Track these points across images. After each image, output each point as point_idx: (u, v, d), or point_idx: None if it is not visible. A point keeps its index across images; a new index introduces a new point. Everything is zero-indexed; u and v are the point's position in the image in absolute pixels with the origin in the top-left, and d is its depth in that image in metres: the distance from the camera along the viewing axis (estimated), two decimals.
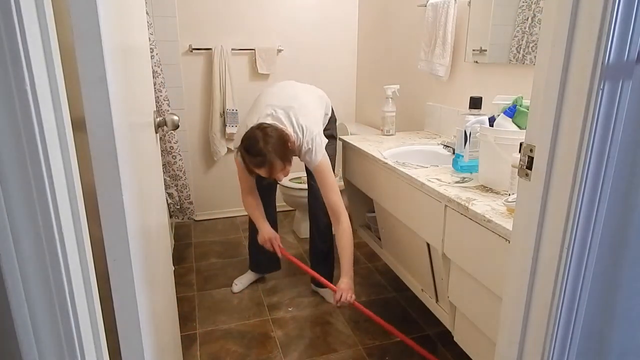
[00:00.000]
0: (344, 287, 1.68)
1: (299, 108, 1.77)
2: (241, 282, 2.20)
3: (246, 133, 1.66)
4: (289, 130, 1.72)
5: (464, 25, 1.90)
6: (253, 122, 1.73)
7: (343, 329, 1.89)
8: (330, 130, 2.02)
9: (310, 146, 1.73)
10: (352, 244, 1.78)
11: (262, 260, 2.22)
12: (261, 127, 1.64)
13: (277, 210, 2.25)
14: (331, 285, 1.82)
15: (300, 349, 1.76)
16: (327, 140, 1.82)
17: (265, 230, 1.94)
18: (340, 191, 2.65)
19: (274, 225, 2.12)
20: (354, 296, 1.69)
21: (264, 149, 1.59)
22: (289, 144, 1.66)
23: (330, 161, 2.01)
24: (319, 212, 2.04)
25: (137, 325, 0.80)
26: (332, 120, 2.05)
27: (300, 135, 1.74)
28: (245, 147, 1.63)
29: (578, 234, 0.70)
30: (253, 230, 2.18)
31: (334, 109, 2.07)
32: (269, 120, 1.71)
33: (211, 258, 2.54)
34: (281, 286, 2.23)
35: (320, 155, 1.75)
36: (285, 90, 1.89)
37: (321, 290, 2.14)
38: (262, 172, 1.66)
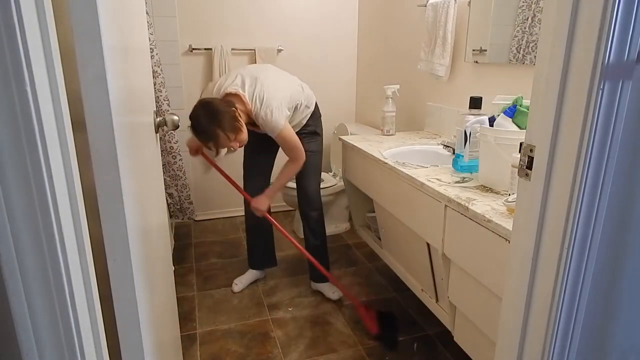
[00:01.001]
0: (255, 202, 1.94)
1: (264, 80, 1.79)
2: (241, 282, 2.20)
3: (192, 111, 1.68)
4: (247, 98, 1.73)
5: (464, 25, 1.90)
6: (221, 83, 1.79)
7: (343, 329, 1.89)
8: (313, 127, 2.02)
9: (266, 119, 1.73)
10: (289, 176, 1.92)
11: (257, 255, 2.25)
12: (203, 103, 1.66)
13: (277, 210, 2.25)
14: (249, 197, 2.00)
15: (300, 349, 1.76)
16: (289, 114, 1.82)
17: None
18: (340, 191, 2.68)
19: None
20: (263, 212, 1.94)
21: (206, 126, 1.62)
22: (237, 114, 1.67)
23: (315, 158, 2.04)
24: (309, 208, 2.09)
25: (137, 325, 0.80)
26: (316, 117, 2.04)
27: (258, 105, 1.74)
28: (192, 126, 1.66)
29: (578, 234, 0.70)
30: (250, 226, 2.21)
31: (318, 105, 2.06)
32: (233, 85, 1.75)
33: (211, 258, 2.54)
34: (281, 286, 2.23)
35: (277, 129, 1.76)
36: (260, 66, 1.95)
37: (319, 286, 2.15)
38: (211, 147, 1.69)
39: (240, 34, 2.81)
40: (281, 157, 2.15)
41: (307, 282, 2.24)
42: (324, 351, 1.75)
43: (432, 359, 1.71)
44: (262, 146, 2.09)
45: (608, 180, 0.68)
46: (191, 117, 1.66)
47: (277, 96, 1.77)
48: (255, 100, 1.74)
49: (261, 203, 1.92)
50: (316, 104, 2.04)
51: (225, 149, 2.58)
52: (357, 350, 1.75)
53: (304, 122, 1.98)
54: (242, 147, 2.10)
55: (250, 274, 2.25)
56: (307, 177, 2.06)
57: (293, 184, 2.50)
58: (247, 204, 2.16)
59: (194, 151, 2.02)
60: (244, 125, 1.72)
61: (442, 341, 1.78)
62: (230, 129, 1.65)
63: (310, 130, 2.01)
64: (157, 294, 1.04)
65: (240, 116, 1.69)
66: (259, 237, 2.23)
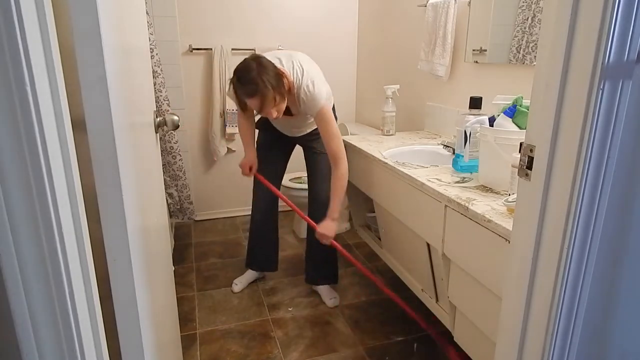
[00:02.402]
0: (322, 228, 1.76)
1: (300, 57, 1.76)
2: (241, 282, 2.20)
3: (239, 64, 1.61)
4: (288, 72, 1.68)
5: (464, 25, 1.90)
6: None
7: (343, 329, 1.88)
8: None
9: (310, 91, 1.67)
10: (344, 189, 1.78)
11: (259, 258, 2.22)
12: (255, 57, 1.61)
13: (278, 210, 2.23)
14: (314, 223, 1.86)
15: (300, 349, 1.76)
16: (329, 92, 1.75)
17: (250, 156, 1.98)
18: None
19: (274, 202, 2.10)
20: (331, 239, 1.77)
21: (257, 77, 1.55)
22: (284, 80, 1.62)
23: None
24: (319, 214, 1.99)
25: (137, 325, 0.80)
26: (334, 116, 2.00)
27: (300, 76, 1.68)
28: (238, 76, 1.59)
29: (578, 234, 0.70)
30: (255, 229, 2.19)
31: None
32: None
33: (211, 258, 2.54)
34: (281, 286, 2.23)
35: (321, 102, 1.69)
36: (288, 50, 1.91)
37: (319, 288, 2.15)
38: (254, 103, 1.61)
39: (240, 34, 2.81)
40: (294, 161, 2.14)
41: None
42: (324, 351, 1.75)
43: (432, 359, 1.71)
44: (276, 146, 2.05)
45: (608, 180, 0.68)
46: (240, 68, 1.59)
47: (315, 70, 1.74)
48: (296, 72, 1.69)
49: (329, 229, 1.76)
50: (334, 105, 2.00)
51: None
52: (357, 350, 1.75)
53: None
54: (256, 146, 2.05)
55: (250, 274, 2.25)
56: (321, 181, 1.97)
57: (298, 185, 2.49)
58: (254, 204, 2.13)
59: (248, 169, 1.98)
60: (286, 96, 1.65)
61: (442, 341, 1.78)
62: (277, 89, 1.58)
63: None
64: (157, 294, 1.04)
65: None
66: (262, 241, 2.20)
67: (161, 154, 1.69)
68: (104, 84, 0.66)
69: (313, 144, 1.97)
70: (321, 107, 1.69)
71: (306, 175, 2.14)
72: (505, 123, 1.24)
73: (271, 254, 2.23)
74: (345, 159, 1.77)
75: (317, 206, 2.02)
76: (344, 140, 2.09)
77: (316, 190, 2.02)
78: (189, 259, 2.53)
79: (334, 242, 1.80)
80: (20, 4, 0.50)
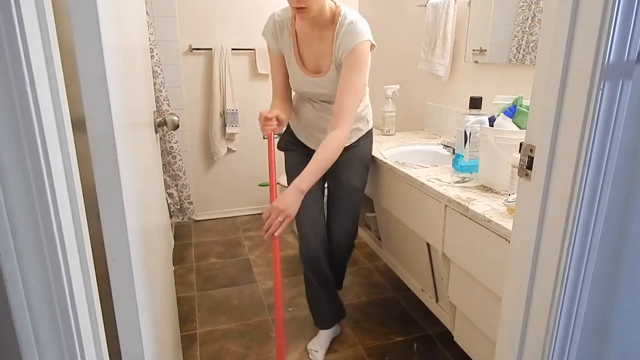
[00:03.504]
0: (277, 201, 1.26)
1: None
2: (320, 346, 1.72)
3: None
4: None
5: (464, 25, 1.90)
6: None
7: (343, 329, 1.88)
8: (367, 149, 1.67)
9: (355, 25, 1.38)
10: (329, 159, 1.34)
11: (327, 310, 1.76)
12: None
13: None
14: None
15: (300, 349, 1.76)
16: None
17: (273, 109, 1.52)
18: None
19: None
20: (283, 218, 1.24)
21: None
22: None
23: (357, 197, 1.64)
24: (336, 258, 1.70)
25: (137, 325, 0.80)
26: (371, 138, 1.68)
27: (347, 12, 1.40)
28: None
29: (578, 234, 0.70)
30: (308, 282, 1.73)
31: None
32: None
33: (211, 258, 2.54)
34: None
35: (363, 37, 1.37)
36: None
37: None
38: None
39: (240, 34, 2.81)
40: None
41: None
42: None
43: (432, 359, 1.71)
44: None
45: (608, 180, 0.68)
46: None
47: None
48: (345, 8, 1.42)
49: (286, 202, 1.26)
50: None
51: None
52: (357, 350, 1.75)
53: (362, 127, 1.58)
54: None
55: (325, 334, 1.76)
56: (345, 216, 1.60)
57: None
58: (301, 241, 1.58)
59: (264, 122, 1.46)
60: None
61: (442, 341, 1.78)
62: None
63: (362, 152, 1.58)
64: (157, 294, 1.04)
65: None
66: (325, 286, 1.68)
67: (161, 154, 1.69)
68: (104, 84, 0.66)
69: (340, 172, 1.54)
70: (361, 42, 1.35)
71: None
72: (505, 123, 1.24)
73: (332, 301, 1.77)
74: (350, 124, 1.40)
75: (333, 246, 1.64)
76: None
77: (335, 228, 1.62)
78: (189, 259, 2.53)
79: (276, 242, 1.33)
80: (20, 4, 0.50)
